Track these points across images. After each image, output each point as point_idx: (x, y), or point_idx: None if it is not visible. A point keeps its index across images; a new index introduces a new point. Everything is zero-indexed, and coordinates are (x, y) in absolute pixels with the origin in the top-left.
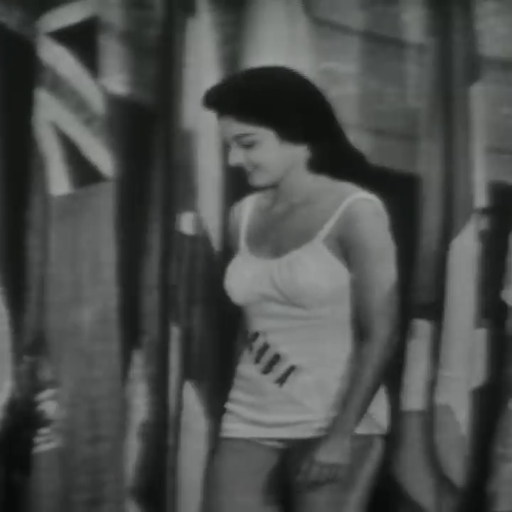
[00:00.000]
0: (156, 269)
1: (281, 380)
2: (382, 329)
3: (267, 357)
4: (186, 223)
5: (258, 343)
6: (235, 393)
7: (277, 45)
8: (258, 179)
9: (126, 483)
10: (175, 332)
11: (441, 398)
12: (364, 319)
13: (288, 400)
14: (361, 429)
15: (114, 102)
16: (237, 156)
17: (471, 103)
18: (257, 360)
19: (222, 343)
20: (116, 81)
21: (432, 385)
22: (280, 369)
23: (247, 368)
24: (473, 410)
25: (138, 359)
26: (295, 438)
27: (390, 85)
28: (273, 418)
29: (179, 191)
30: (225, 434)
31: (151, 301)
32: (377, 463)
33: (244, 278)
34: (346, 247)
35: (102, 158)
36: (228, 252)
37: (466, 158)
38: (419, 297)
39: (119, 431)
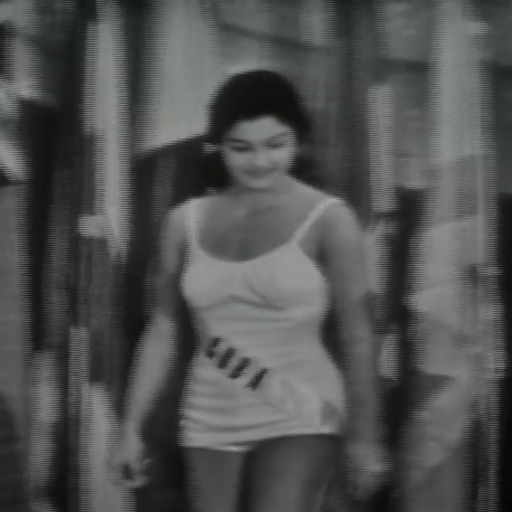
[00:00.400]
0: (60, 271)
1: (254, 384)
2: (365, 330)
3: (234, 362)
4: (89, 226)
5: (221, 348)
6: (194, 399)
7: (181, 49)
8: (269, 181)
9: (36, 482)
10: (77, 333)
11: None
12: (346, 321)
13: (259, 402)
14: (334, 430)
15: (22, 106)
16: (266, 159)
17: (374, 105)
18: (222, 365)
19: (124, 344)
20: (25, 85)
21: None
22: (250, 373)
23: (207, 372)
24: None
25: (42, 360)
26: (265, 439)
27: None
28: (243, 421)
29: (82, 194)
30: (189, 443)
31: (54, 303)
32: (336, 463)
33: (210, 281)
34: (323, 251)
35: (11, 161)
36: (136, 254)
37: (369, 162)
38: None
39: (28, 431)
